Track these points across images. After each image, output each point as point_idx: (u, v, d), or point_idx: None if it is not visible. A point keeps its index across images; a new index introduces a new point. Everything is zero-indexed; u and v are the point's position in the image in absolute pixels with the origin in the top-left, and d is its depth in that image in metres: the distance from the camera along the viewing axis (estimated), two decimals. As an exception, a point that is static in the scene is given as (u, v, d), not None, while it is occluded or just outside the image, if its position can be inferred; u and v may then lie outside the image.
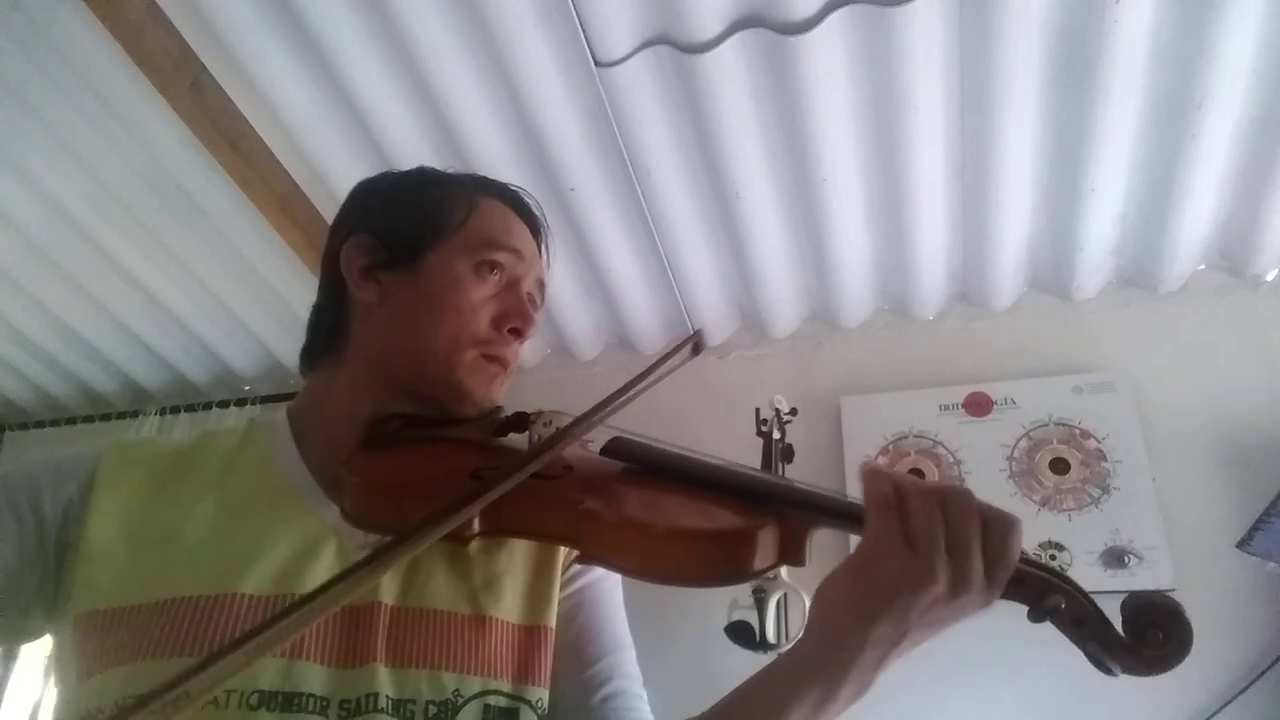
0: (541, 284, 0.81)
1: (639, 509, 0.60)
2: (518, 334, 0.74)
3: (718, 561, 0.57)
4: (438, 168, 0.82)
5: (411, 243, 0.74)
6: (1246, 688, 1.59)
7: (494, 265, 0.74)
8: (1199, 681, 1.62)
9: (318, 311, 0.79)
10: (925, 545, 0.51)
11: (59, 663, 0.63)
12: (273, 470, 0.70)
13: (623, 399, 0.63)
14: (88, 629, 0.61)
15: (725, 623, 1.61)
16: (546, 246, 0.83)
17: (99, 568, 0.62)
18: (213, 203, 2.01)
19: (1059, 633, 0.56)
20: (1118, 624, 0.54)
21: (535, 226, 0.81)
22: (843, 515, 0.59)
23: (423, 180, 0.80)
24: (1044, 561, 0.56)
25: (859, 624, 0.53)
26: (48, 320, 2.53)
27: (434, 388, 0.72)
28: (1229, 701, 1.60)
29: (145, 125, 1.82)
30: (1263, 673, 1.59)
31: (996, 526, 0.52)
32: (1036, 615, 0.53)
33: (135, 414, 2.80)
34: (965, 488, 0.53)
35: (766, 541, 0.57)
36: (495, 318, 0.73)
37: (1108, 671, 0.54)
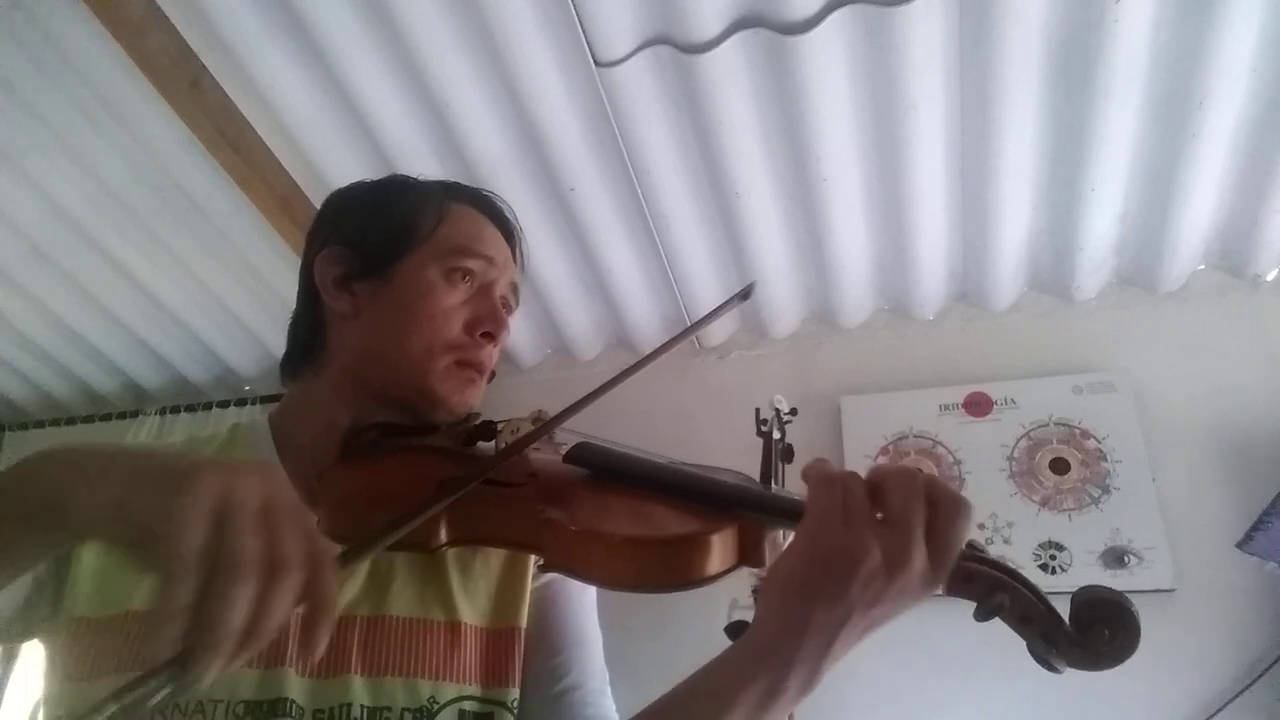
0: (515, 287, 0.82)
1: (598, 518, 0.60)
2: (490, 338, 0.76)
3: (675, 568, 0.57)
4: (413, 175, 0.84)
5: (383, 252, 0.75)
6: (1246, 688, 1.59)
7: (465, 272, 0.75)
8: (1199, 681, 1.62)
9: (295, 321, 0.81)
10: (858, 519, 0.51)
11: (49, 659, 0.64)
12: None
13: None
14: (74, 632, 0.62)
15: (725, 623, 1.61)
16: (520, 250, 0.84)
17: (85, 574, 0.63)
18: (213, 203, 2.01)
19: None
20: (1066, 618, 0.53)
21: (508, 230, 0.82)
22: (795, 516, 0.58)
23: (394, 189, 0.81)
24: (993, 557, 0.55)
25: (800, 604, 0.52)
26: (48, 320, 2.53)
27: (409, 395, 0.73)
28: (1229, 701, 1.60)
29: (145, 125, 1.82)
30: (1263, 673, 1.59)
31: (944, 507, 0.52)
32: (982, 613, 0.53)
33: (135, 414, 2.80)
34: (915, 469, 0.53)
35: (725, 545, 0.58)
36: (468, 323, 0.75)
37: (1051, 669, 0.53)
